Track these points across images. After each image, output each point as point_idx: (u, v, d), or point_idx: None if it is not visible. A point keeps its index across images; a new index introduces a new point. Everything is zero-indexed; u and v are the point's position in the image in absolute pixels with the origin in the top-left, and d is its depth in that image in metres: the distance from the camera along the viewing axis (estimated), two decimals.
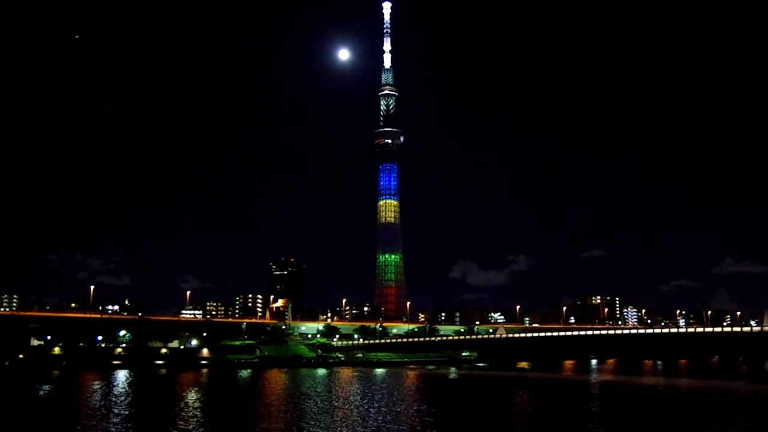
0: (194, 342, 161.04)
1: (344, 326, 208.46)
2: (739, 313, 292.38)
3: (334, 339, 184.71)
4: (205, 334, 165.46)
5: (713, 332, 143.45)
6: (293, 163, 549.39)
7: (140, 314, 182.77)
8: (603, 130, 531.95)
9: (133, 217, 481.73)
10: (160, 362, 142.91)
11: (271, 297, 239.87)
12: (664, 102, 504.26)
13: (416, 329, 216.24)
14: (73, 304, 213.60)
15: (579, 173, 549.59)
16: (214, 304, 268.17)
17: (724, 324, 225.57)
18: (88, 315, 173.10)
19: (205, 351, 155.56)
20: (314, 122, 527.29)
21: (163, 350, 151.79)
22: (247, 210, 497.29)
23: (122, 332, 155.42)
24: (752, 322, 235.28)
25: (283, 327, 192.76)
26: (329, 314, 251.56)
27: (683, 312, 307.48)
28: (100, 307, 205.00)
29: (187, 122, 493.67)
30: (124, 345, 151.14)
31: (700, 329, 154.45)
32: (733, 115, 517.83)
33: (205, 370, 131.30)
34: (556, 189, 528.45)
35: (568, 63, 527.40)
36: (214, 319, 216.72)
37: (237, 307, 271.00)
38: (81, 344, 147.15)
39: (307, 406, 64.21)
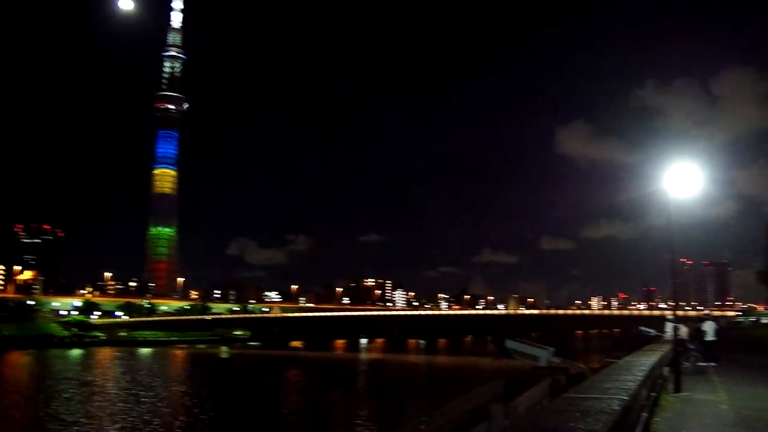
0: None
1: (107, 302, 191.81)
2: (491, 297, 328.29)
3: (94, 316, 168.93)
4: None
5: (468, 314, 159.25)
6: (55, 116, 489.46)
7: None
8: (388, 122, 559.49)
9: None
10: None
11: (17, 268, 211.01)
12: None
13: (188, 307, 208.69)
14: None
15: (361, 157, 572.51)
16: None
17: (478, 307, 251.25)
18: None
19: None
20: (87, 77, 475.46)
21: None
22: None
23: None
24: (500, 306, 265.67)
25: (31, 303, 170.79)
26: (90, 289, 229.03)
27: (446, 296, 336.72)
28: None
29: None
30: None
31: (458, 311, 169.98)
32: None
33: None
34: (339, 171, 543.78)
35: (359, 38, 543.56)
36: None
37: None
38: None
39: (51, 392, 56.33)
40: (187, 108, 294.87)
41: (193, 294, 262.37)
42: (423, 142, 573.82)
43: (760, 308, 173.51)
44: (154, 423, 39.93)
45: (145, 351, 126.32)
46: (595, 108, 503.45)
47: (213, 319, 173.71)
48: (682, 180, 17.59)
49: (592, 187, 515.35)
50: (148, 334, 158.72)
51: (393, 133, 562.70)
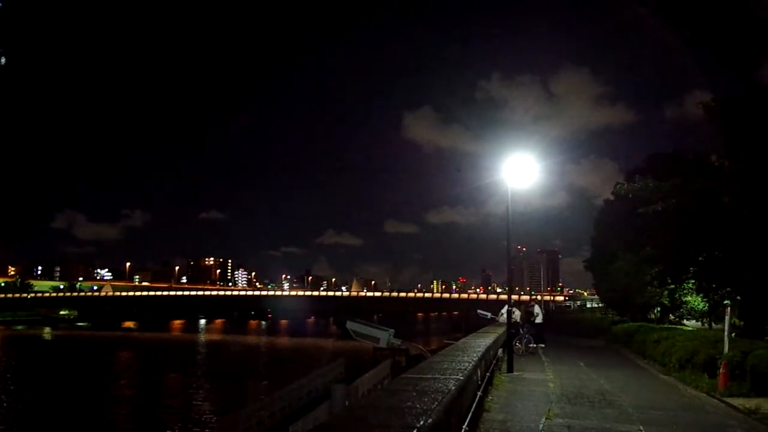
0: None
1: None
2: (334, 279, 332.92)
3: None
4: None
5: (312, 295, 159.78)
6: None
7: None
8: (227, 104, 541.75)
9: None
10: None
11: None
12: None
13: (3, 284, 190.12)
14: None
15: (201, 133, 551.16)
16: None
17: (322, 288, 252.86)
18: None
19: None
20: None
21: None
22: None
23: None
24: (344, 288, 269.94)
25: None
26: None
27: (289, 276, 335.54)
28: None
29: None
30: None
31: (301, 292, 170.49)
32: None
33: None
34: (182, 147, 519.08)
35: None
36: None
37: None
38: None
39: None
40: (5, 62, 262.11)
41: (11, 270, 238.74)
42: (270, 126, 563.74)
43: (586, 294, 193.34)
44: None
45: None
46: (443, 96, 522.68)
47: (34, 297, 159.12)
48: (520, 171, 18.69)
49: (436, 173, 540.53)
50: None
51: (236, 112, 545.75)
